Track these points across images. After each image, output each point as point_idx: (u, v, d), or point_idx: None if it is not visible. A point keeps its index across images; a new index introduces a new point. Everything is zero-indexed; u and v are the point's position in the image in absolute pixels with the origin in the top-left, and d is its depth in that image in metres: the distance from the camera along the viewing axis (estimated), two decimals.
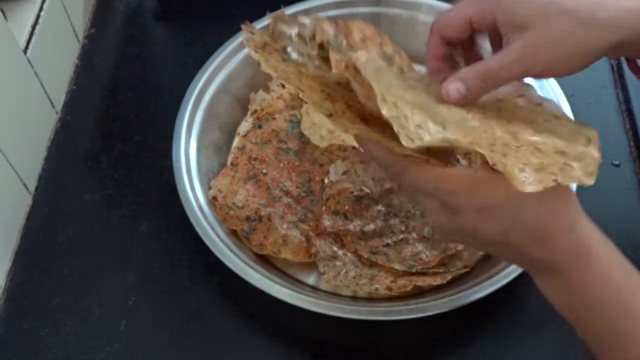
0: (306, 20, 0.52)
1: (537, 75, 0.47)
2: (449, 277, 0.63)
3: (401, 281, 0.63)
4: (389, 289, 0.63)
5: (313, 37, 0.51)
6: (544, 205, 0.41)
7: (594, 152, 0.43)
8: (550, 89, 0.72)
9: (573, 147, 0.43)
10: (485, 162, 0.40)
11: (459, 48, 0.52)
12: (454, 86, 0.46)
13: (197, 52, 0.77)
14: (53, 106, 0.79)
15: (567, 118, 0.48)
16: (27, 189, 0.73)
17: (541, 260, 0.44)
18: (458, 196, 0.42)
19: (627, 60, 0.59)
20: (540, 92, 0.73)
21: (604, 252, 0.44)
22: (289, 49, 0.51)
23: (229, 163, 0.73)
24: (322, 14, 0.78)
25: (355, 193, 0.68)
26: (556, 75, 0.51)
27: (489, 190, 0.41)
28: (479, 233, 0.43)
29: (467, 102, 0.46)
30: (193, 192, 0.66)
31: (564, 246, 0.43)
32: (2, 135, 0.66)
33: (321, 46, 0.51)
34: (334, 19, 0.52)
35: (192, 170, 0.68)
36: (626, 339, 0.44)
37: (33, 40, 0.74)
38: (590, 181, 0.41)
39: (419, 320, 0.58)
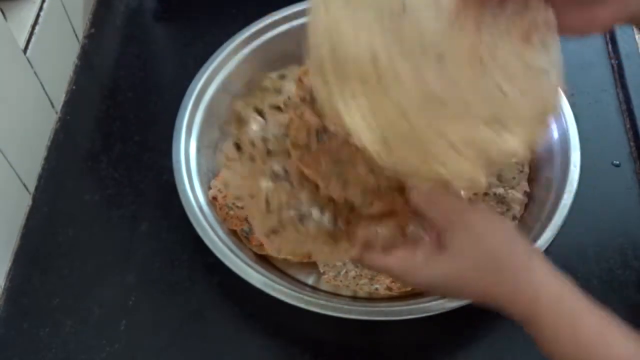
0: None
1: None
2: None
3: None
4: (389, 289, 0.63)
5: (288, 100, 0.53)
6: (476, 276, 0.46)
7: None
8: None
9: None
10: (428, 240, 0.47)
11: None
12: None
13: (197, 52, 0.77)
14: (53, 106, 0.79)
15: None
16: (27, 189, 0.73)
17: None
18: (404, 280, 0.51)
19: None
20: None
21: (553, 315, 0.44)
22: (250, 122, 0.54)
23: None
24: None
25: None
26: None
27: (425, 273, 0.47)
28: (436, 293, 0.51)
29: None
30: (193, 192, 0.66)
31: (515, 312, 0.45)
32: (2, 135, 0.66)
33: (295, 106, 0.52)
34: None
35: (192, 170, 0.68)
36: None
37: (33, 40, 0.73)
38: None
39: (419, 320, 0.58)
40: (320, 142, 0.50)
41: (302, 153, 0.50)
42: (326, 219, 0.50)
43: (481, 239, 0.45)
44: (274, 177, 0.52)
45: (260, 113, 0.53)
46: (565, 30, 0.50)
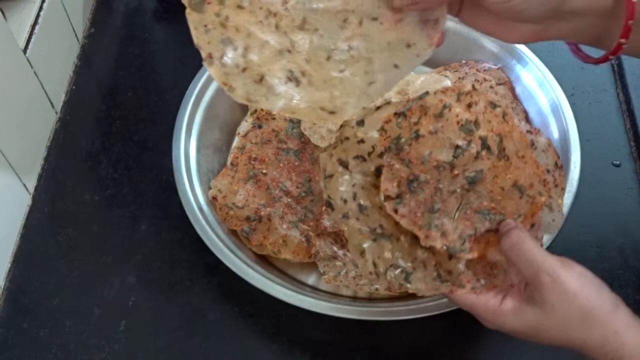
0: (374, 133, 0.53)
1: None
2: None
3: None
4: (389, 289, 0.63)
5: (372, 150, 0.53)
6: (565, 329, 0.47)
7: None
8: (550, 89, 0.72)
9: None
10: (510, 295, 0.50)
11: None
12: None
13: (197, 52, 0.76)
14: (53, 106, 0.79)
15: None
16: (27, 189, 0.73)
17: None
18: (487, 322, 0.51)
19: (568, 44, 0.60)
20: (541, 94, 0.73)
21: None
22: (337, 177, 0.54)
23: (229, 163, 0.73)
24: None
25: None
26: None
27: (511, 321, 0.49)
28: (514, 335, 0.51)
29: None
30: (193, 192, 0.66)
31: (597, 358, 0.47)
32: (2, 135, 0.66)
33: (381, 155, 0.53)
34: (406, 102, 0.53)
35: (192, 170, 0.68)
36: None
37: (33, 40, 0.73)
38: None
39: (419, 320, 0.58)
40: (412, 192, 0.51)
41: (396, 205, 0.51)
42: (431, 275, 0.52)
43: (575, 297, 0.46)
44: (373, 235, 0.52)
45: (344, 165, 0.53)
46: (481, 30, 0.54)
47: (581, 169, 0.66)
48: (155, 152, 0.76)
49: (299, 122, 0.74)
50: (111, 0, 0.91)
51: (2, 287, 0.67)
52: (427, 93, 0.53)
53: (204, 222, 0.64)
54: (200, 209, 0.65)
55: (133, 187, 0.74)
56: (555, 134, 0.70)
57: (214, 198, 0.69)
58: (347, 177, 0.53)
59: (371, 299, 0.64)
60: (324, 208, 0.67)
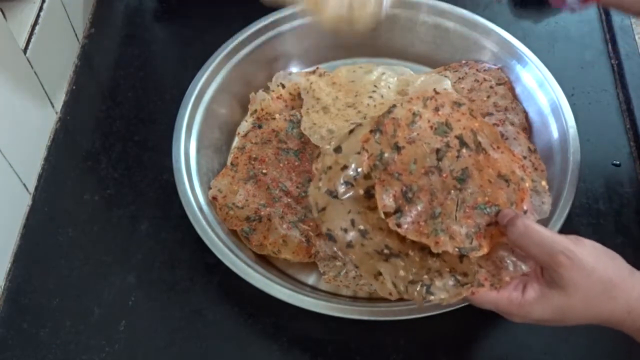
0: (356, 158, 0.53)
1: None
2: None
3: None
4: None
5: (357, 174, 0.53)
6: (590, 306, 0.48)
7: None
8: (550, 89, 0.72)
9: None
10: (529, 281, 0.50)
11: None
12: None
13: (197, 52, 0.77)
14: (53, 106, 0.79)
15: None
16: (26, 189, 0.73)
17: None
18: (513, 317, 0.51)
19: None
20: (541, 94, 0.73)
21: None
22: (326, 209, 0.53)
23: (229, 163, 0.73)
24: None
25: None
26: None
27: (537, 310, 0.49)
28: (542, 325, 0.51)
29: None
30: (193, 192, 0.66)
31: (627, 327, 0.48)
32: (2, 135, 0.66)
33: (367, 176, 0.53)
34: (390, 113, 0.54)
35: (192, 170, 0.68)
36: None
37: (33, 40, 0.73)
38: None
39: (419, 320, 0.58)
40: (410, 203, 0.51)
41: (398, 219, 0.51)
42: (449, 281, 0.52)
43: (593, 271, 0.47)
44: (382, 256, 0.52)
45: (334, 195, 0.53)
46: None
47: (581, 169, 0.66)
48: (155, 152, 0.76)
49: (299, 122, 0.74)
50: (111, 0, 0.91)
51: (2, 287, 0.67)
52: (394, 106, 0.53)
53: (204, 222, 0.64)
54: (200, 209, 0.65)
55: (133, 187, 0.74)
56: (555, 134, 0.70)
57: (214, 198, 0.69)
58: (339, 206, 0.53)
59: (371, 299, 0.64)
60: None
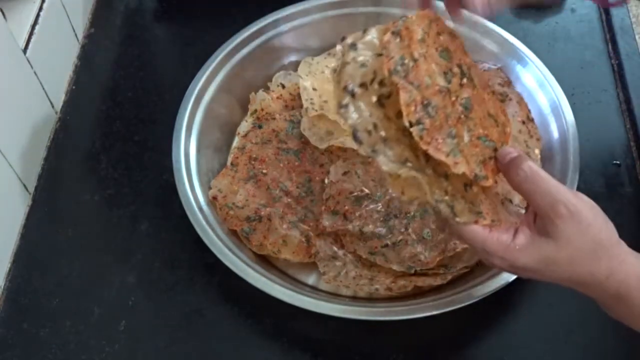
0: (367, 53, 0.49)
1: None
2: (449, 277, 0.63)
3: (401, 281, 0.63)
4: (389, 289, 0.63)
5: (374, 77, 0.49)
6: (574, 262, 0.47)
7: None
8: (550, 89, 0.72)
9: None
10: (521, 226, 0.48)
11: None
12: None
13: (197, 52, 0.77)
14: (53, 106, 0.79)
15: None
16: (26, 189, 0.73)
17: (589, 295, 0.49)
18: (495, 258, 0.49)
19: None
20: (541, 94, 0.73)
21: None
22: (349, 108, 0.48)
23: (229, 163, 0.73)
24: (322, 14, 0.78)
25: (355, 193, 0.68)
26: None
27: (524, 256, 0.48)
28: (520, 274, 0.51)
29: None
30: (193, 192, 0.66)
31: (602, 291, 0.48)
32: (1, 135, 0.66)
33: (381, 83, 0.48)
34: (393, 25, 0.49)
35: (192, 170, 0.68)
36: None
37: (33, 40, 0.73)
38: None
39: (419, 320, 0.58)
40: (430, 117, 0.47)
41: (420, 131, 0.46)
42: (467, 207, 0.49)
43: (588, 228, 0.46)
44: (403, 166, 0.48)
45: (351, 93, 0.48)
46: None
47: (581, 169, 0.66)
48: (155, 152, 0.76)
49: (299, 122, 0.74)
50: (111, 0, 0.91)
51: (2, 287, 0.67)
52: (406, 17, 0.49)
53: (204, 222, 0.64)
54: (200, 209, 0.65)
55: (133, 187, 0.74)
56: (555, 134, 0.70)
57: (214, 198, 0.69)
58: (361, 105, 0.48)
59: (371, 299, 0.64)
60: (323, 207, 0.67)
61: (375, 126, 0.48)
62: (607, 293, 0.47)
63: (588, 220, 0.46)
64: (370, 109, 0.48)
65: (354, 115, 0.48)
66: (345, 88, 0.48)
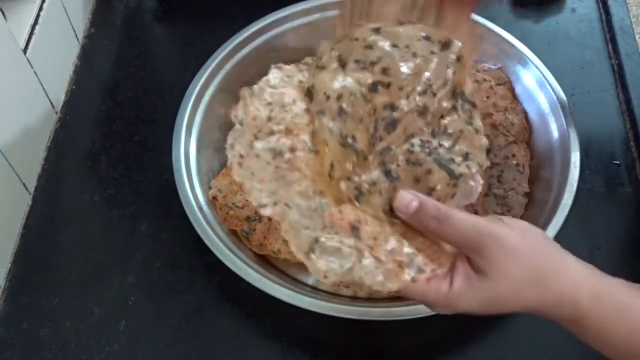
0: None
1: None
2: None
3: None
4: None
5: (377, 61, 0.50)
6: (519, 293, 0.44)
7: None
8: (550, 89, 0.72)
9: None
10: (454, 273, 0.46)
11: None
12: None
13: (197, 52, 0.77)
14: (53, 106, 0.79)
15: None
16: (26, 189, 0.73)
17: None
18: (440, 308, 0.47)
19: None
20: (541, 94, 0.73)
21: (597, 314, 0.44)
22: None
23: (229, 163, 0.73)
24: (322, 14, 0.78)
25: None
26: None
27: (464, 301, 0.45)
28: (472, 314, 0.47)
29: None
30: (193, 192, 0.66)
31: (555, 317, 0.46)
32: (2, 135, 0.66)
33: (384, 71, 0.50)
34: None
35: (192, 170, 0.68)
36: None
37: (33, 40, 0.73)
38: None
39: (419, 320, 0.58)
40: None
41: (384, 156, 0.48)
42: (382, 208, 0.48)
43: (520, 255, 0.44)
44: (342, 140, 0.49)
45: (342, 63, 0.49)
46: None
47: (581, 169, 0.66)
48: (155, 152, 0.76)
49: None
50: (111, 0, 0.91)
51: (2, 287, 0.67)
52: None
53: (204, 222, 0.64)
54: (200, 209, 0.65)
55: (133, 187, 0.74)
56: (555, 134, 0.70)
57: (214, 198, 0.69)
58: (340, 76, 0.49)
59: (371, 299, 0.64)
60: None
61: (339, 97, 0.49)
62: (560, 318, 0.45)
63: (517, 247, 0.44)
64: (352, 83, 0.50)
65: (329, 82, 0.50)
66: (339, 56, 0.51)
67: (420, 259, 0.47)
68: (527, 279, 0.44)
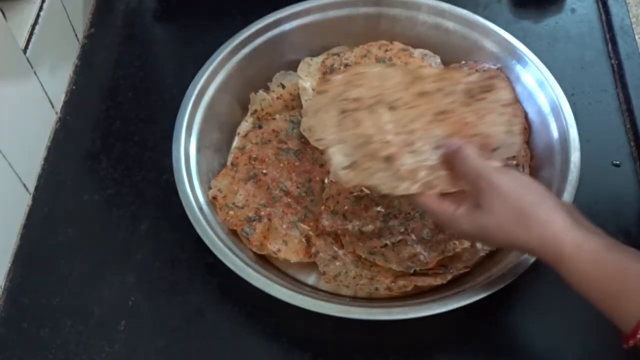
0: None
1: None
2: (449, 277, 0.63)
3: (401, 281, 0.63)
4: (389, 289, 0.63)
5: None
6: (504, 230, 0.53)
7: None
8: (550, 89, 0.72)
9: None
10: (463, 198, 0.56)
11: None
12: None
13: (197, 52, 0.77)
14: (53, 106, 0.79)
15: None
16: (26, 189, 0.73)
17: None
18: (444, 225, 0.60)
19: None
20: (541, 94, 0.73)
21: (576, 261, 0.50)
22: None
23: (229, 163, 0.73)
24: (322, 15, 0.78)
25: (355, 193, 0.68)
26: None
27: (464, 224, 0.55)
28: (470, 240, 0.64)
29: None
30: (193, 192, 0.66)
31: (540, 257, 0.53)
32: (2, 135, 0.66)
33: None
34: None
35: (192, 170, 0.68)
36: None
37: (33, 40, 0.73)
38: None
39: (419, 320, 0.58)
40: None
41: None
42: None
43: (507, 198, 0.52)
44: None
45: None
46: None
47: (581, 169, 0.66)
48: (155, 152, 0.76)
49: (299, 122, 0.74)
50: (111, 0, 0.91)
51: (2, 287, 0.67)
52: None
53: (204, 222, 0.64)
54: (200, 209, 0.65)
55: (133, 187, 0.74)
56: (555, 134, 0.70)
57: (214, 198, 0.69)
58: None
59: (371, 299, 0.64)
60: (323, 207, 0.67)
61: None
62: (545, 260, 0.51)
63: (505, 191, 0.52)
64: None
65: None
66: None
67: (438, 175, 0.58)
68: (511, 218, 0.52)
